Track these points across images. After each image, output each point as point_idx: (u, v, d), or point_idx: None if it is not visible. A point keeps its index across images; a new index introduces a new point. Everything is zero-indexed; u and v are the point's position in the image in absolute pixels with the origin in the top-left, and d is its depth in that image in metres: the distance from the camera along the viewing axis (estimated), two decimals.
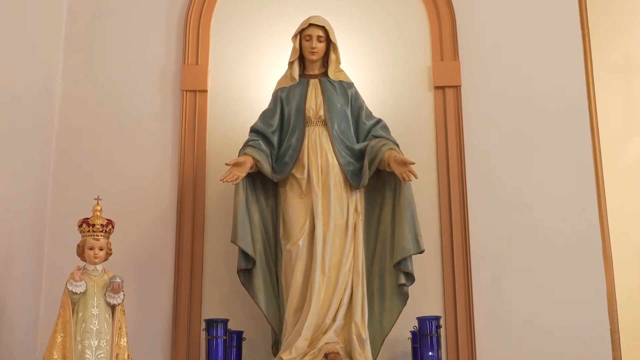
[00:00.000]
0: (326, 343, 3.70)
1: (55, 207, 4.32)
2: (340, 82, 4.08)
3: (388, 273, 3.87)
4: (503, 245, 4.22)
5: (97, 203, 3.59)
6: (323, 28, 4.03)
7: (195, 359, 4.07)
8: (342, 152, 3.93)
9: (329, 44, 4.06)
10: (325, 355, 3.64)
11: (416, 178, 3.79)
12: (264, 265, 3.91)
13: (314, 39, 4.02)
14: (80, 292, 3.38)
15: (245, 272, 3.87)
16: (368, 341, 3.72)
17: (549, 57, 4.48)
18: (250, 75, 4.46)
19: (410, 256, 3.80)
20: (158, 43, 4.57)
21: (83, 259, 3.51)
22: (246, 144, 3.94)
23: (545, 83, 4.44)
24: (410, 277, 3.82)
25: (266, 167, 3.90)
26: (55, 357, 3.31)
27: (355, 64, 4.36)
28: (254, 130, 4.03)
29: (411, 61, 4.48)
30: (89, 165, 4.38)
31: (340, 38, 4.12)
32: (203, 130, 4.37)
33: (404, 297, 3.81)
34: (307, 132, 3.95)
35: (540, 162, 4.34)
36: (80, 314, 3.38)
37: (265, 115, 4.06)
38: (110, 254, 3.56)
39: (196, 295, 4.16)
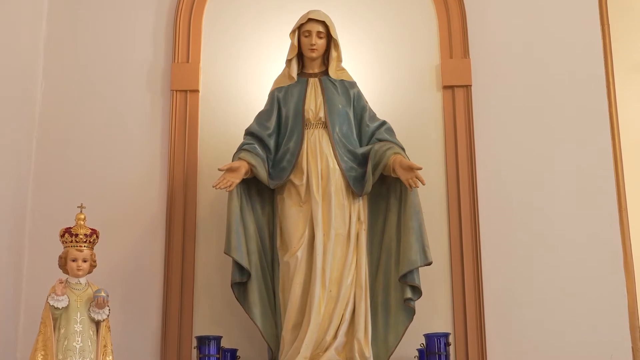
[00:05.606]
0: None
1: (35, 216, 4.32)
2: (342, 81, 4.09)
3: (393, 286, 3.87)
4: (517, 256, 4.23)
5: (81, 211, 3.60)
6: (323, 23, 4.03)
7: None
8: (343, 156, 3.94)
9: (330, 40, 4.07)
10: None
11: (423, 184, 3.80)
12: (259, 278, 3.91)
13: (314, 35, 4.03)
14: (63, 307, 3.38)
15: (240, 286, 3.88)
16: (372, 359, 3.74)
17: (566, 55, 4.49)
18: (245, 74, 4.47)
19: (417, 268, 3.80)
20: (146, 39, 4.58)
21: (65, 271, 3.52)
22: (240, 148, 3.95)
23: (562, 83, 4.45)
24: (417, 291, 3.82)
25: (262, 173, 3.91)
26: None
27: (358, 61, 4.36)
28: (249, 133, 4.03)
29: (418, 59, 4.49)
30: (72, 170, 4.38)
31: (341, 34, 4.12)
32: (194, 133, 4.38)
33: (410, 313, 3.81)
34: (306, 135, 3.96)
35: (557, 167, 4.35)
36: (62, 331, 3.39)
37: (261, 117, 4.06)
38: (95, 266, 3.57)
39: (187, 311, 4.16)
